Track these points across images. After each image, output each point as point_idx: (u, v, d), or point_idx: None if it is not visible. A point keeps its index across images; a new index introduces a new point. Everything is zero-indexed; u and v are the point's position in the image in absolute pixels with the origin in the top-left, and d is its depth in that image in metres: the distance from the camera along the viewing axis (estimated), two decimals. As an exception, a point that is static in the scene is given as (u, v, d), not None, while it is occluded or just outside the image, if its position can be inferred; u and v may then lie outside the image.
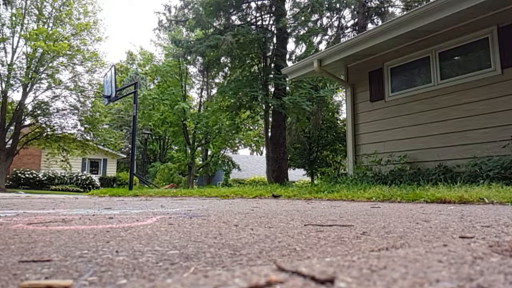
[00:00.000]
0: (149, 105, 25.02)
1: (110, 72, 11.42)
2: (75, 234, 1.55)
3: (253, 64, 17.33)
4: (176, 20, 18.60)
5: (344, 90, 8.97)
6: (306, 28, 16.39)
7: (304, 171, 22.65)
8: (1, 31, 17.59)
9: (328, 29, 17.02)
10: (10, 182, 21.08)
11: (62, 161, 19.42)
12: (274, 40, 16.56)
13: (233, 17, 17.06)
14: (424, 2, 12.65)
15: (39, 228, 1.78)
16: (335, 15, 16.77)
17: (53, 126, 18.63)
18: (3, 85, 17.17)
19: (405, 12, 10.10)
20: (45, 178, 22.73)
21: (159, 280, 0.77)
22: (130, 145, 28.90)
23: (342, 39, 15.71)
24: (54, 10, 18.49)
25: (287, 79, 14.71)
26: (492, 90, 5.60)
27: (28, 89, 17.66)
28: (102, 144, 20.53)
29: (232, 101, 16.78)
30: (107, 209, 3.45)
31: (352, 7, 16.16)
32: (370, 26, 15.73)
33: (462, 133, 5.90)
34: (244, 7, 16.70)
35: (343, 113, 20.33)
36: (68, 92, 18.71)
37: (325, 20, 17.14)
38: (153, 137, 35.78)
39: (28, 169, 22.66)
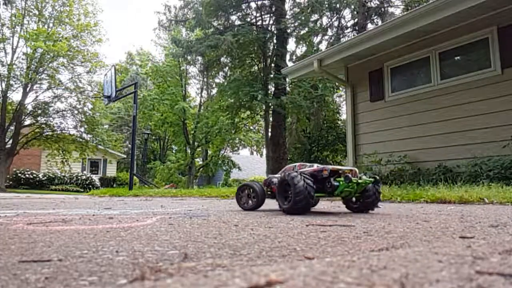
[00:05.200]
0: (149, 105, 25.02)
1: (110, 72, 11.42)
2: (75, 234, 1.55)
3: (253, 64, 17.33)
4: (176, 20, 18.60)
5: (344, 90, 8.97)
6: (306, 28, 16.37)
7: (304, 171, 22.60)
8: (1, 31, 17.59)
9: (328, 29, 17.00)
10: (10, 182, 21.07)
11: (62, 162, 19.42)
12: (274, 40, 16.55)
13: (233, 17, 17.06)
14: (424, 2, 12.65)
15: (39, 228, 1.78)
16: (335, 15, 16.76)
17: (53, 126, 18.64)
18: (3, 85, 17.18)
19: (405, 12, 10.11)
20: (45, 178, 22.73)
21: (159, 280, 0.77)
22: (130, 145, 28.92)
23: (342, 39, 15.71)
24: (54, 11, 18.50)
25: (287, 79, 14.71)
26: (492, 90, 5.60)
27: (28, 89, 17.68)
28: (101, 145, 20.53)
29: (232, 101, 16.78)
30: (107, 209, 3.45)
31: (352, 7, 16.15)
32: (370, 26, 15.73)
33: (462, 133, 5.90)
34: (244, 7, 16.70)
35: (344, 114, 20.32)
36: (68, 93, 18.73)
37: (325, 20, 17.14)
38: (153, 137, 35.79)
39: (28, 169, 22.66)
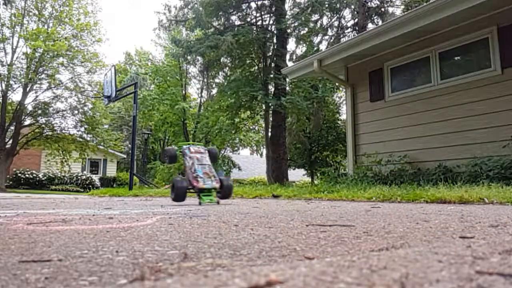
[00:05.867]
0: (149, 105, 25.04)
1: (110, 72, 11.43)
2: (75, 234, 1.55)
3: (253, 64, 17.33)
4: (176, 20, 18.59)
5: (344, 90, 8.97)
6: (306, 28, 16.39)
7: (304, 171, 22.65)
8: (1, 31, 17.59)
9: (328, 29, 17.02)
10: (10, 182, 21.07)
11: (61, 162, 19.41)
12: (274, 40, 16.55)
13: (233, 17, 17.06)
14: (424, 2, 12.64)
15: (39, 228, 1.78)
16: (335, 15, 16.77)
17: (53, 126, 18.63)
18: (3, 85, 17.17)
19: (405, 12, 10.11)
20: (45, 178, 22.72)
21: (159, 280, 0.77)
22: (130, 145, 28.92)
23: (342, 39, 15.71)
24: (54, 10, 18.49)
25: (287, 79, 14.71)
26: (492, 90, 5.60)
27: (28, 89, 17.67)
28: (101, 145, 20.53)
29: (232, 101, 16.79)
30: (107, 209, 3.45)
31: (352, 7, 16.16)
32: (370, 26, 15.73)
33: (462, 133, 5.90)
34: (244, 7, 16.70)
35: (344, 114, 20.33)
36: (68, 93, 18.73)
37: (325, 20, 17.16)
38: (153, 138, 35.79)
39: (28, 169, 22.65)
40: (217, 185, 3.97)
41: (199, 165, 4.03)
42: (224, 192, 4.09)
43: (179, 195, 3.84)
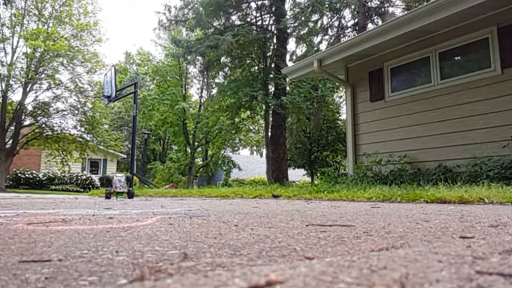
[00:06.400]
0: (149, 106, 25.03)
1: (110, 72, 11.41)
2: (75, 234, 1.55)
3: (253, 64, 17.31)
4: (176, 20, 18.58)
5: (344, 90, 8.97)
6: (306, 28, 16.37)
7: (304, 171, 22.66)
8: (1, 31, 17.58)
9: (329, 29, 17.00)
10: (10, 182, 21.06)
11: (61, 162, 19.40)
12: (274, 40, 16.54)
13: (233, 17, 17.05)
14: (424, 2, 12.62)
15: (39, 228, 1.78)
16: (335, 15, 16.75)
17: (53, 127, 18.62)
18: (3, 85, 17.17)
19: (405, 12, 10.10)
20: (45, 178, 22.71)
21: (159, 280, 0.77)
22: (130, 145, 28.91)
23: (342, 39, 15.70)
24: (53, 10, 18.48)
25: (287, 79, 14.70)
26: (492, 90, 5.60)
27: (28, 89, 17.66)
28: (101, 145, 20.52)
29: (232, 101, 16.78)
30: (107, 209, 3.45)
31: (352, 7, 16.15)
32: (370, 26, 15.72)
33: (462, 133, 5.90)
34: (244, 7, 16.69)
35: (344, 114, 20.31)
36: (68, 93, 18.72)
37: (325, 20, 17.13)
38: (154, 138, 35.79)
39: (28, 169, 22.64)
40: (126, 191, 6.89)
41: (119, 182, 6.95)
42: (130, 194, 6.92)
43: (108, 194, 6.82)
